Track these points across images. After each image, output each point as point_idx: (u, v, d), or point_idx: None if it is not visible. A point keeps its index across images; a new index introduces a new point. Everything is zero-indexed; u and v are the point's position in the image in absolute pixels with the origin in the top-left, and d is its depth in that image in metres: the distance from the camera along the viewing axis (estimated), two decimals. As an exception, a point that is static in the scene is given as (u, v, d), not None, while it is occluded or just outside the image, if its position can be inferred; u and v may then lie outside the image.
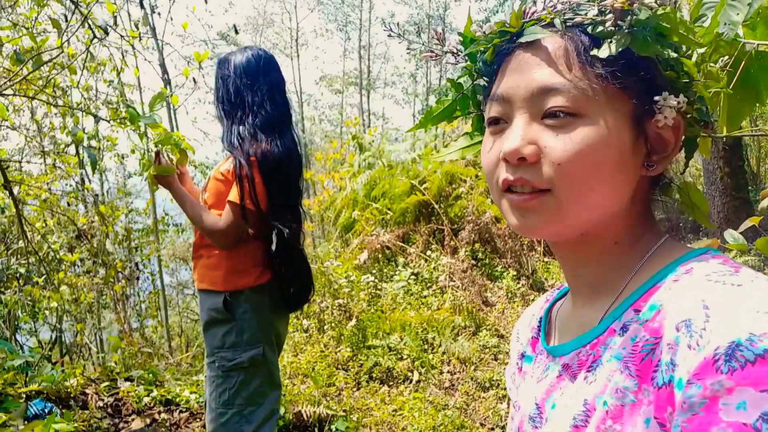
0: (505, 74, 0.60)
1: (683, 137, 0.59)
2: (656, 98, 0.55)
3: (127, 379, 3.26)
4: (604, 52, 0.54)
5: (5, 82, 3.06)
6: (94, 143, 3.73)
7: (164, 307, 6.74)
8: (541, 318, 0.73)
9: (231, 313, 2.00)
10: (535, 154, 0.56)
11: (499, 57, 0.62)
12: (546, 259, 6.23)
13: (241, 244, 2.03)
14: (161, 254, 7.46)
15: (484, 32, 0.62)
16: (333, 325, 4.99)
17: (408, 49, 0.65)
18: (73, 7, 2.96)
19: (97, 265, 4.25)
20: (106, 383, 3.15)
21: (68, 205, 4.12)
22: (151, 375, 3.34)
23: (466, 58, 0.66)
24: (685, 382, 0.45)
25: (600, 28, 0.55)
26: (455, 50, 0.66)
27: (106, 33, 2.77)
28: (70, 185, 4.03)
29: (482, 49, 0.63)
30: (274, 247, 2.01)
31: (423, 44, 0.64)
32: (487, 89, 0.65)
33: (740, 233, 1.16)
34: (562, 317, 0.69)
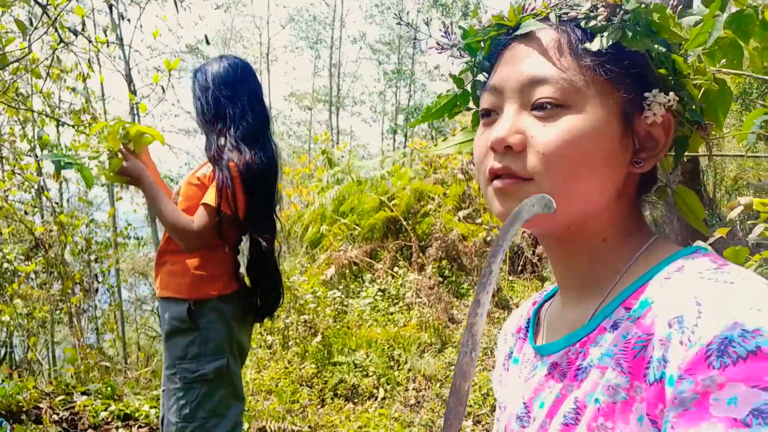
0: (499, 66, 0.61)
1: (673, 136, 0.60)
2: (646, 94, 0.56)
3: (83, 393, 3.13)
4: (595, 45, 0.55)
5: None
6: (55, 151, 3.63)
7: (121, 322, 6.53)
8: (528, 319, 0.73)
9: (195, 322, 1.95)
10: (521, 143, 0.56)
11: (496, 50, 0.63)
12: (511, 278, 6.29)
13: (210, 252, 1.98)
14: (120, 268, 7.26)
15: (483, 25, 0.62)
16: (298, 341, 4.92)
17: (414, 39, 0.65)
18: (40, 10, 2.89)
19: (52, 278, 4.10)
20: (62, 397, 3.02)
21: (25, 213, 3.98)
22: (108, 389, 3.22)
23: (466, 52, 0.67)
24: (676, 378, 0.45)
25: (593, 23, 0.56)
26: (458, 43, 0.66)
27: (75, 35, 2.72)
28: (30, 193, 3.90)
29: (481, 41, 0.64)
30: (246, 256, 1.97)
31: (430, 36, 0.64)
32: (484, 84, 0.66)
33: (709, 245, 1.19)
34: (551, 317, 0.69)
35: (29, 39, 2.71)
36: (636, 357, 0.50)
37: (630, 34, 0.54)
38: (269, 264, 2.07)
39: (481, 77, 0.68)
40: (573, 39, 0.57)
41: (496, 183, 0.58)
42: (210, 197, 1.93)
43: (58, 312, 4.82)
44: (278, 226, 2.14)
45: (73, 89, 5.65)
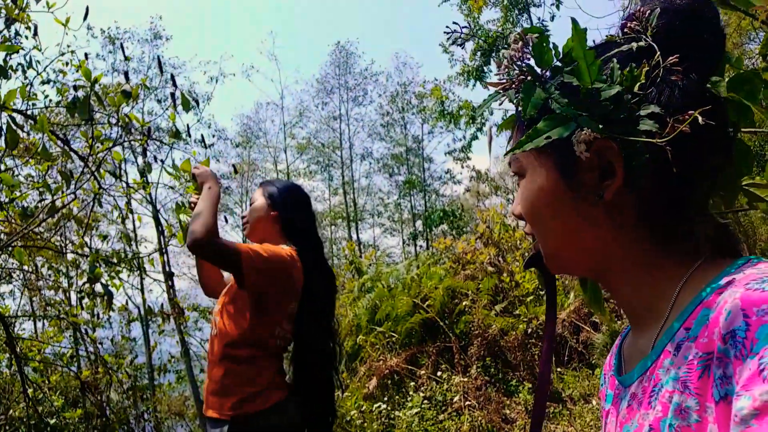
0: None
1: (622, 157, 0.60)
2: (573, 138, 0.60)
3: None
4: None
5: (12, 237, 3.12)
6: (98, 288, 3.73)
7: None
8: (616, 355, 0.73)
9: None
10: (520, 212, 0.69)
11: None
12: (559, 369, 6.05)
13: (249, 367, 1.95)
14: (157, 410, 7.12)
15: None
16: (348, 461, 4.70)
17: (460, 40, 0.70)
18: (82, 163, 3.11)
19: (100, 423, 4.04)
20: None
21: (71, 359, 4.01)
22: None
23: None
24: (735, 394, 0.45)
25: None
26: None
27: (116, 178, 2.90)
28: (74, 338, 3.94)
29: None
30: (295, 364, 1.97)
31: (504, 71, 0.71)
32: None
33: None
34: (627, 347, 0.70)
35: (75, 187, 2.90)
36: (701, 377, 0.50)
37: (524, 102, 0.63)
38: (320, 376, 2.05)
39: None
40: (520, 117, 0.67)
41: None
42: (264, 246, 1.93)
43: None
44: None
45: (105, 236, 5.89)
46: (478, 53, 11.38)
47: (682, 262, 0.60)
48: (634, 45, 0.61)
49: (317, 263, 2.07)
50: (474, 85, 11.69)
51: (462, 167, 18.46)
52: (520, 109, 0.66)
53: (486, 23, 11.64)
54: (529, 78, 0.64)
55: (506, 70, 0.66)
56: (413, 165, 21.43)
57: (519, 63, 0.65)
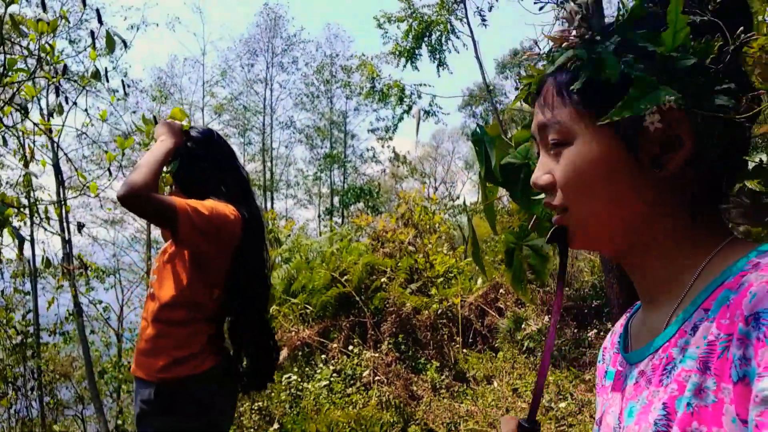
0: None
1: (694, 129, 0.58)
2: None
3: None
4: (576, 85, 0.62)
5: None
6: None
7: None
8: (621, 333, 0.73)
9: (163, 405, 1.80)
10: (548, 182, 0.66)
11: None
12: (465, 351, 6.25)
13: (186, 329, 1.85)
14: (42, 371, 6.68)
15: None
16: (253, 431, 4.62)
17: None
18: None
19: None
20: None
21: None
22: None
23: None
24: (756, 376, 0.45)
25: (572, 65, 0.63)
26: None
27: (26, 113, 2.62)
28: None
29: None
30: (234, 323, 1.88)
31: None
32: None
33: None
34: (636, 325, 0.70)
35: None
36: (720, 358, 0.50)
37: (598, 64, 0.60)
38: (259, 329, 1.96)
39: None
40: (561, 83, 0.64)
41: (555, 217, 0.68)
42: (195, 203, 1.76)
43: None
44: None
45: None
46: (410, 35, 11.35)
47: (711, 241, 0.60)
48: (698, 18, 0.59)
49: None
50: (405, 66, 11.66)
51: (383, 147, 18.49)
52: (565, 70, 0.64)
53: (422, 7, 11.62)
54: (597, 37, 0.61)
55: (572, 28, 0.62)
56: (336, 140, 21.21)
57: (585, 22, 0.61)
